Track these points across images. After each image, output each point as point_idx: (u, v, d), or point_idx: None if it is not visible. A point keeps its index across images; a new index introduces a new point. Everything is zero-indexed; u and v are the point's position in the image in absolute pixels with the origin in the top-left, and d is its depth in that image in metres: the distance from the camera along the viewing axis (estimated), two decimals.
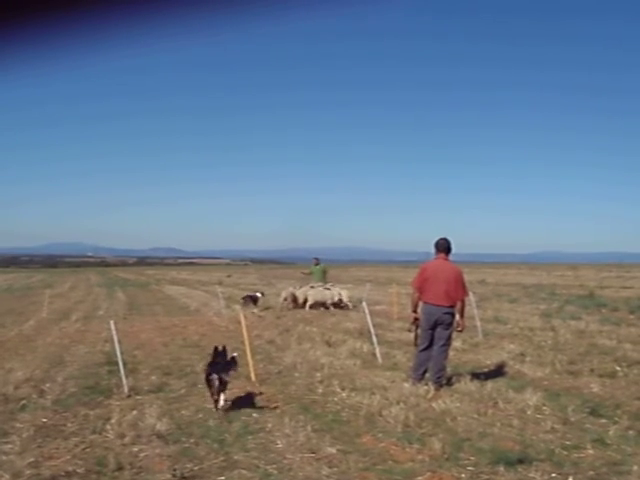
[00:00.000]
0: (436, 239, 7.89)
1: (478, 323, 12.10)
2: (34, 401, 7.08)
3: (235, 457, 5.10)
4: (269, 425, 5.99)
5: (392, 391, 7.15)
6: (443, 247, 7.82)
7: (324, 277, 20.66)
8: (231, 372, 6.58)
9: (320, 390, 7.47)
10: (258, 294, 20.23)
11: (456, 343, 9.80)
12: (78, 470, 4.86)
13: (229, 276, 55.96)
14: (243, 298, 20.29)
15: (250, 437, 5.62)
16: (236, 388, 7.72)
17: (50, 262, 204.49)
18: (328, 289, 19.40)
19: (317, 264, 21.17)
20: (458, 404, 6.58)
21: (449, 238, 7.86)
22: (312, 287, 19.39)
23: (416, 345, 7.92)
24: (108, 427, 5.89)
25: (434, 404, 6.58)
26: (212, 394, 6.44)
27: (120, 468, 4.85)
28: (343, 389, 7.41)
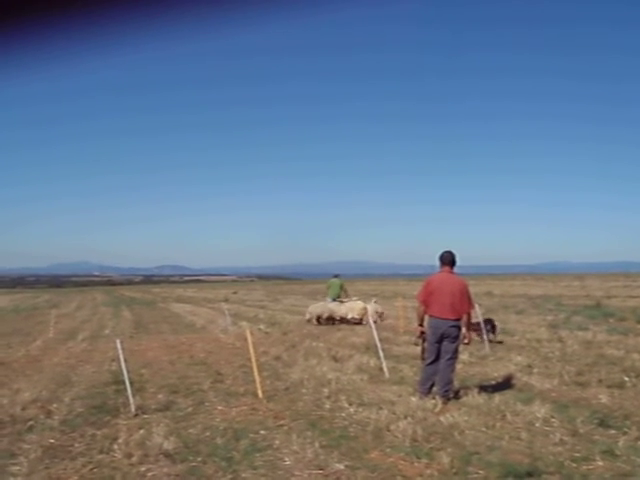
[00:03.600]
0: (441, 252, 7.90)
1: (485, 335, 12.07)
2: (41, 422, 7.08)
3: (243, 475, 5.09)
4: (277, 442, 5.97)
5: (399, 405, 7.12)
6: (448, 260, 7.82)
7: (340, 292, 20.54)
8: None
9: (327, 406, 7.45)
10: (370, 306, 19.00)
11: (463, 356, 9.77)
12: None
13: (235, 293, 55.95)
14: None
15: (258, 454, 5.61)
16: (243, 405, 7.73)
17: (56, 282, 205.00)
18: (342, 302, 19.54)
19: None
20: (466, 417, 6.55)
21: (453, 251, 7.88)
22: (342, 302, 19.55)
23: (423, 359, 7.91)
24: (115, 447, 5.88)
25: (442, 418, 6.54)
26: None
27: None
28: (350, 404, 7.38)
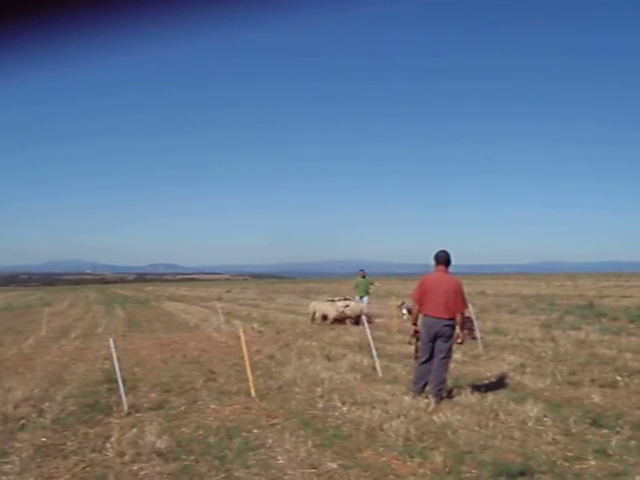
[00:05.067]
0: (436, 251, 7.89)
1: (478, 335, 12.09)
2: (33, 420, 7.05)
3: (236, 474, 5.07)
4: (270, 441, 5.96)
5: (393, 405, 7.12)
6: (443, 259, 7.81)
7: (367, 289, 19.90)
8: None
9: (320, 405, 7.45)
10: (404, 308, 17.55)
11: (456, 355, 9.79)
12: None
13: (228, 291, 55.92)
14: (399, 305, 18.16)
15: (251, 453, 5.60)
16: (236, 404, 7.71)
17: (49, 280, 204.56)
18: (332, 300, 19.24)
19: (364, 276, 20.12)
20: (459, 417, 6.56)
21: (448, 250, 7.87)
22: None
23: (416, 358, 7.91)
24: (108, 445, 5.87)
25: (435, 417, 6.55)
26: None
27: None
28: (343, 403, 7.38)
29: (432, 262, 7.90)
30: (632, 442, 5.57)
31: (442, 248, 7.92)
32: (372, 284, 20.41)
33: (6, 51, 1.73)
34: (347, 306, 18.42)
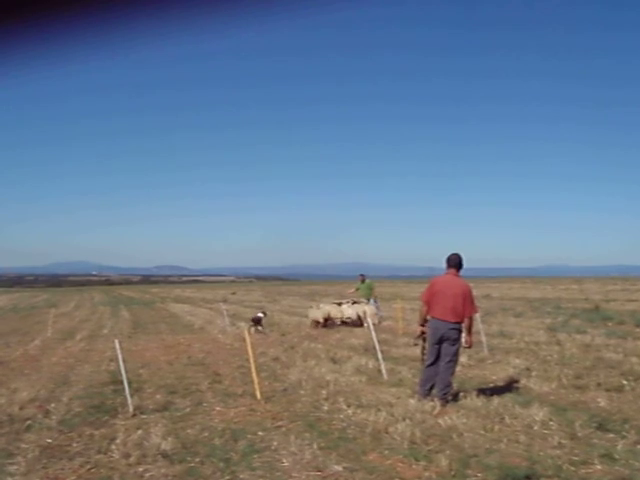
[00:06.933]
0: (448, 254, 7.85)
1: (484, 338, 12.05)
2: (39, 421, 7.07)
3: (241, 476, 5.08)
4: (275, 443, 5.96)
5: (398, 407, 7.11)
6: (454, 262, 7.79)
7: (371, 293, 19.85)
8: None
9: (326, 407, 7.44)
10: (260, 314, 18.67)
11: (462, 358, 9.75)
12: None
13: (234, 293, 55.96)
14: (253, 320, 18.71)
15: (256, 455, 5.60)
16: (241, 406, 7.72)
17: (54, 281, 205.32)
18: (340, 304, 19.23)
19: (363, 280, 20.26)
20: (464, 420, 6.54)
21: (461, 254, 7.83)
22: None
23: (422, 360, 7.90)
24: (113, 447, 5.87)
25: (440, 420, 6.54)
26: None
27: None
28: (349, 406, 7.38)
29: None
30: (638, 446, 5.55)
31: (454, 251, 7.87)
32: (372, 288, 20.20)
33: (6, 51, 1.74)
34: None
